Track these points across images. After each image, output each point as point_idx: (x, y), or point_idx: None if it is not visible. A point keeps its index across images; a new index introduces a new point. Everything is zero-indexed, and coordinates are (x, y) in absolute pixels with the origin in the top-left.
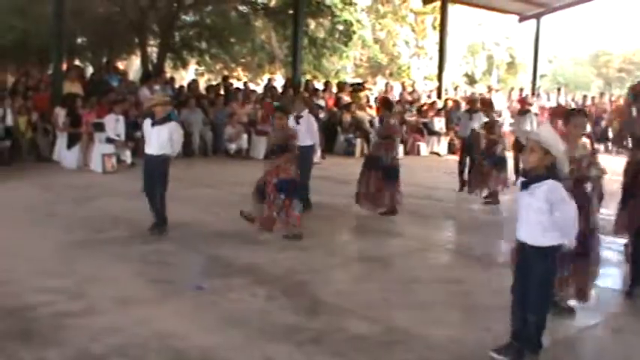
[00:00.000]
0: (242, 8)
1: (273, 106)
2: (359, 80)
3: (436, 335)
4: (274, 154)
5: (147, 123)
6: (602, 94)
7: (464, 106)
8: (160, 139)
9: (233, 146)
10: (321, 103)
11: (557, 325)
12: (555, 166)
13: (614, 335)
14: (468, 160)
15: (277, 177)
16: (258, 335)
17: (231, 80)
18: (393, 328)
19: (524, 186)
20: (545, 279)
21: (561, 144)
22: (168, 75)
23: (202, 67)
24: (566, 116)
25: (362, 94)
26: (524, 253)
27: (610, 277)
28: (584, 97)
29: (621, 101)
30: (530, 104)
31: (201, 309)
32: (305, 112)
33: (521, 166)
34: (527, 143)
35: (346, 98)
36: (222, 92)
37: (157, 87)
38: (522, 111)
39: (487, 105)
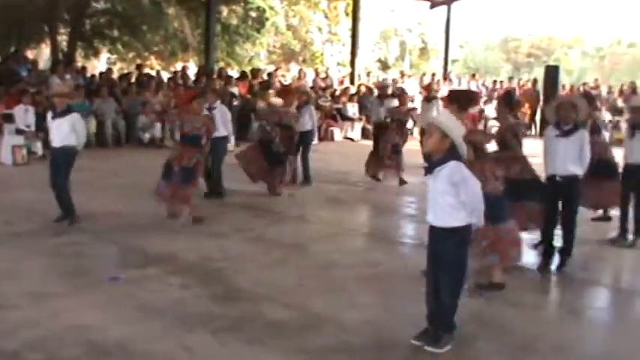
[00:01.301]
0: None
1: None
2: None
3: (352, 319)
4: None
5: (49, 115)
6: (510, 79)
7: (376, 92)
8: (61, 131)
9: (147, 135)
10: (235, 90)
11: (467, 302)
12: (455, 148)
13: (517, 310)
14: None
15: (180, 165)
16: (175, 324)
17: (145, 69)
18: (309, 313)
19: (429, 170)
20: (457, 261)
21: (460, 127)
22: (79, 64)
23: (114, 56)
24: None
25: (270, 91)
26: (436, 236)
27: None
28: (494, 81)
29: (529, 85)
30: (436, 91)
31: (117, 300)
32: (218, 103)
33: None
34: (427, 128)
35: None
36: (134, 81)
37: (67, 76)
38: (428, 98)
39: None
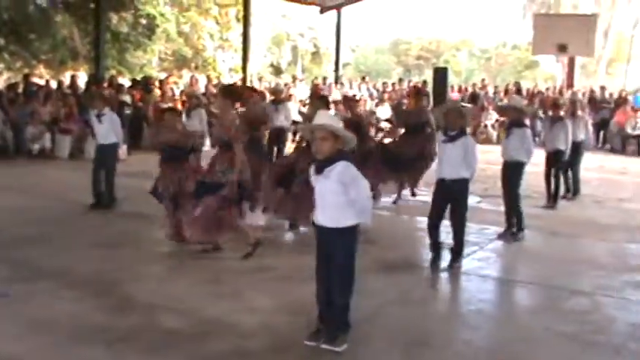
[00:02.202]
0: (40, 2)
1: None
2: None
3: (249, 323)
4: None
5: None
6: (400, 81)
7: (269, 97)
8: None
9: (36, 146)
10: (127, 99)
11: (359, 303)
12: (342, 149)
13: (419, 308)
14: (276, 150)
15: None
16: (68, 339)
17: (33, 78)
18: (205, 319)
19: (319, 170)
20: (347, 260)
21: (340, 122)
22: None
23: (1, 65)
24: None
25: (153, 93)
26: (326, 237)
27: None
28: (384, 83)
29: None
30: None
31: (6, 316)
32: (107, 110)
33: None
34: (315, 134)
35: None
36: (22, 91)
37: None
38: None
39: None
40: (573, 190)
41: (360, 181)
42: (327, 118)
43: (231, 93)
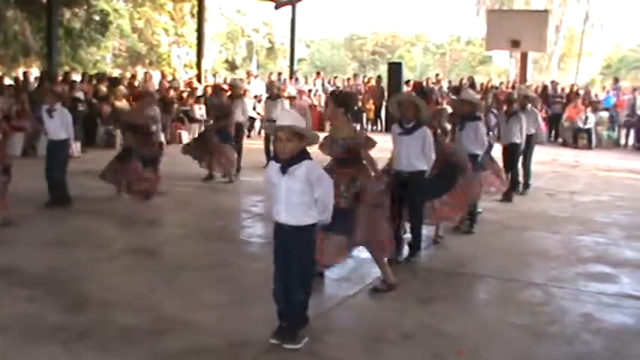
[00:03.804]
0: None
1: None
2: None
3: (205, 320)
4: None
5: None
6: (355, 76)
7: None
8: None
9: None
10: (80, 95)
11: (315, 298)
12: (306, 147)
13: (375, 302)
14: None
15: None
16: (21, 339)
17: None
18: (162, 316)
19: (283, 170)
20: (307, 257)
21: (303, 120)
22: None
23: None
24: None
25: (120, 87)
26: (285, 234)
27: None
28: (335, 78)
29: (373, 82)
30: (280, 89)
31: None
32: (58, 106)
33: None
34: (278, 134)
35: (104, 89)
36: None
37: None
38: (273, 96)
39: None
40: (524, 184)
41: (325, 180)
42: (291, 117)
43: None
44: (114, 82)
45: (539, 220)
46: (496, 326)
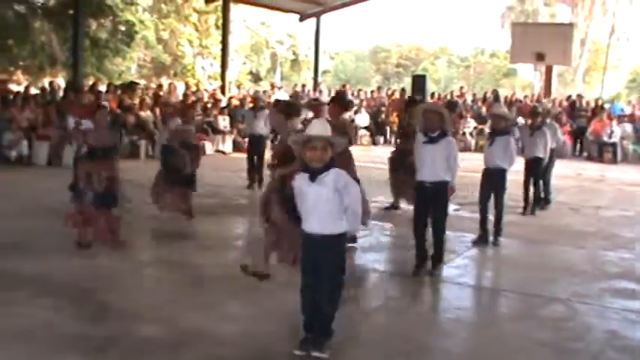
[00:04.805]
0: (19, 8)
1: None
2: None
3: (227, 331)
4: None
5: None
6: (379, 88)
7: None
8: None
9: (13, 153)
10: (105, 105)
11: (341, 312)
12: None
13: (396, 316)
14: (255, 157)
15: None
16: (44, 348)
17: (11, 84)
18: (183, 328)
19: (312, 178)
20: (338, 268)
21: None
22: None
23: None
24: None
25: (137, 90)
26: (315, 245)
27: (387, 261)
28: (359, 91)
29: (397, 95)
30: (264, 101)
31: None
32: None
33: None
34: (313, 144)
35: (128, 100)
36: None
37: None
38: (257, 108)
39: None
40: (544, 199)
41: (352, 188)
42: (322, 127)
43: None
44: (130, 86)
45: (564, 234)
46: (519, 341)
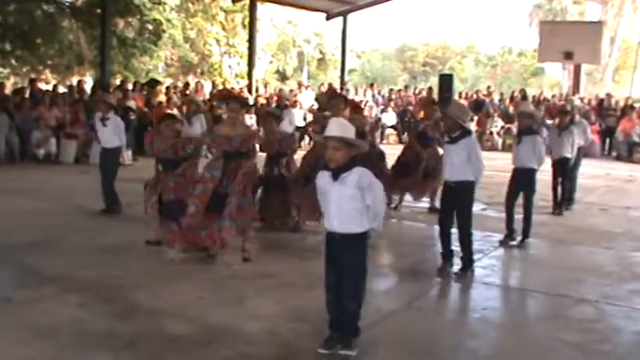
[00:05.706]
0: (47, 7)
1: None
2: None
3: (253, 330)
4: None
5: None
6: (406, 87)
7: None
8: None
9: (41, 151)
10: (132, 104)
11: (365, 309)
12: (357, 153)
13: (422, 315)
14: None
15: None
16: (72, 344)
17: (40, 83)
18: (209, 326)
19: (335, 177)
20: (361, 266)
21: (352, 129)
22: None
23: (7, 70)
24: None
25: (158, 88)
26: (338, 243)
27: (414, 259)
28: (390, 90)
29: (424, 94)
30: (288, 100)
31: (10, 321)
32: (111, 114)
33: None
34: (328, 143)
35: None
36: (28, 95)
37: None
38: (281, 107)
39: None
40: (569, 199)
41: (376, 187)
42: (339, 126)
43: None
44: (149, 84)
45: (592, 235)
46: (546, 343)
